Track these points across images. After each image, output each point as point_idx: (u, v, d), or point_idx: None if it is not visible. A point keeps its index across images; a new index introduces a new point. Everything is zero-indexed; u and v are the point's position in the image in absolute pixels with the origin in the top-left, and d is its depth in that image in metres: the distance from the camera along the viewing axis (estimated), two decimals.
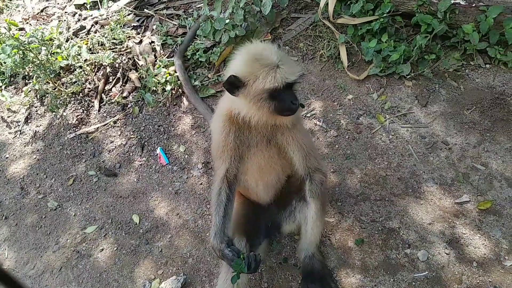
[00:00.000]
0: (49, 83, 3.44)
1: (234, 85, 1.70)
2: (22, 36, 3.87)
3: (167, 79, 3.30)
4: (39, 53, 3.33)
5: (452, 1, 3.11)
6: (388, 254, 2.38)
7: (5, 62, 3.71)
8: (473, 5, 3.13)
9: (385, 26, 3.23)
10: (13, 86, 3.79)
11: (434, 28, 3.09)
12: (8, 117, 3.53)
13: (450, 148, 2.83)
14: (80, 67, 3.57)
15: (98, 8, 4.36)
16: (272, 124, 1.86)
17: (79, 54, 3.65)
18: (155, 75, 3.30)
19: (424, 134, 2.92)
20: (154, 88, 3.33)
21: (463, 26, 3.03)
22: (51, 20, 4.47)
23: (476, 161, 2.74)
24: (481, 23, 3.01)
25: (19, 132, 3.37)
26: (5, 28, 4.20)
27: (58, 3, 4.75)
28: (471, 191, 2.60)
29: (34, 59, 3.22)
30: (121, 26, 3.86)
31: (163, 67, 3.36)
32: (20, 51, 3.29)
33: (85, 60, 3.62)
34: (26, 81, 3.79)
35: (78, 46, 3.68)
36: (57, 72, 3.55)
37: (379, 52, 3.19)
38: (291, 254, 2.45)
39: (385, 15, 3.15)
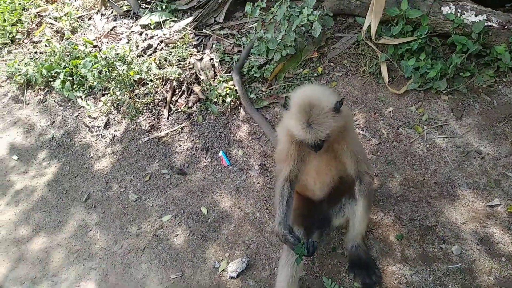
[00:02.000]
0: (126, 94, 4.01)
1: (285, 103, 2.12)
2: (96, 52, 4.49)
3: (227, 92, 3.79)
4: (122, 69, 3.90)
5: (486, 24, 3.43)
6: (425, 248, 2.73)
7: (86, 76, 4.35)
8: (505, 27, 3.44)
9: (423, 46, 3.58)
10: (91, 96, 4.41)
11: (469, 48, 3.42)
12: (90, 122, 4.13)
13: (483, 157, 3.13)
14: (151, 80, 4.13)
15: (161, 28, 4.95)
16: None
17: (150, 69, 4.22)
18: (217, 89, 3.80)
19: (459, 144, 3.24)
20: (216, 100, 3.82)
21: (496, 47, 3.34)
22: (120, 39, 5.10)
23: (507, 169, 3.04)
24: None
25: (100, 136, 3.95)
26: (81, 45, 4.88)
27: (125, 23, 5.39)
28: (502, 196, 2.90)
29: (117, 76, 3.79)
30: (184, 45, 4.40)
31: (223, 82, 3.85)
32: (106, 68, 3.87)
33: (155, 75, 4.18)
34: (103, 92, 4.41)
35: (149, 63, 4.26)
36: (132, 84, 4.13)
37: (417, 69, 3.55)
38: (339, 245, 2.84)
39: (423, 36, 3.51)
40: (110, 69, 3.78)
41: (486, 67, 3.59)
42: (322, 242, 2.85)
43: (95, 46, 5.00)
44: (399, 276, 2.62)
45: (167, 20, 4.96)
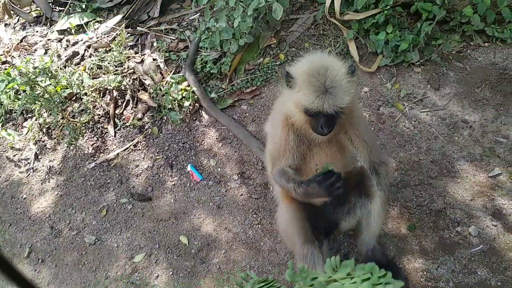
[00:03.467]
0: (58, 114, 3.28)
1: (286, 79, 1.72)
2: (9, 68, 3.67)
3: (183, 95, 3.25)
4: (45, 84, 3.17)
5: None
6: (441, 235, 2.47)
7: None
8: None
9: (388, 18, 3.34)
10: (10, 123, 3.60)
11: (435, 15, 3.23)
12: (14, 155, 3.35)
13: (471, 126, 2.97)
14: (86, 94, 3.43)
15: (85, 32, 4.22)
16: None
17: (81, 81, 3.51)
18: (170, 93, 3.24)
19: (443, 116, 3.05)
20: (170, 107, 3.26)
21: (464, 10, 3.19)
22: (35, 50, 4.28)
23: (497, 134, 2.90)
24: (479, 5, 3.18)
25: (31, 170, 3.20)
26: None
27: (37, 31, 4.56)
28: (501, 164, 2.75)
29: (42, 93, 3.06)
30: (118, 47, 3.74)
31: (176, 83, 3.29)
32: (23, 87, 3.11)
33: (89, 86, 3.49)
34: (25, 116, 3.61)
35: (79, 73, 3.55)
36: (62, 102, 3.40)
37: (386, 43, 3.30)
38: (350, 250, 2.48)
39: (388, 7, 3.26)
40: (31, 87, 3.03)
41: (451, 33, 3.45)
42: (331, 251, 2.48)
43: (4, 62, 4.13)
44: (424, 273, 2.34)
45: (91, 21, 4.24)
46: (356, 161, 2.51)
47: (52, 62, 3.73)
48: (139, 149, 3.16)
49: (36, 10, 4.78)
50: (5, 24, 4.79)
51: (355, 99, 1.93)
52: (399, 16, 3.44)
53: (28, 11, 4.76)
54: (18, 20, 4.79)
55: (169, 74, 3.53)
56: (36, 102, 3.06)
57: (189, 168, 2.96)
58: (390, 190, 2.57)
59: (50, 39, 4.34)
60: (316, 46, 3.57)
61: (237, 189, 2.84)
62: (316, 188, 1.71)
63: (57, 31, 4.37)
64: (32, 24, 4.68)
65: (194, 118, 3.26)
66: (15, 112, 3.56)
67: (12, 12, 4.81)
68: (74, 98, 3.54)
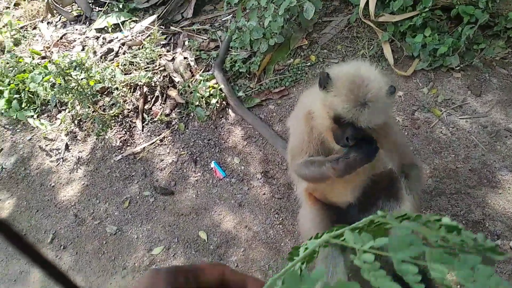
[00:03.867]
0: (89, 107, 3.35)
1: (323, 81, 1.62)
2: (46, 62, 3.79)
3: (211, 92, 3.23)
4: (78, 79, 3.24)
5: None
6: None
7: (36, 92, 3.64)
8: None
9: (426, 21, 3.21)
10: (45, 115, 3.70)
11: (478, 18, 3.07)
12: (46, 145, 3.42)
13: None
14: (117, 88, 3.49)
15: (121, 30, 4.32)
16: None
17: (114, 76, 3.58)
18: (198, 90, 3.23)
19: (484, 124, 2.86)
20: (198, 103, 3.25)
21: (510, 14, 3.01)
22: (73, 47, 4.42)
23: None
24: None
25: (61, 160, 3.26)
26: (27, 57, 4.15)
27: (76, 29, 4.72)
28: None
29: (75, 86, 3.13)
30: (151, 45, 3.80)
31: (204, 81, 3.28)
32: (59, 79, 3.20)
33: (120, 82, 3.55)
34: (59, 108, 3.71)
35: (112, 69, 3.62)
36: (94, 95, 3.47)
37: (424, 46, 3.16)
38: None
39: (426, 9, 3.13)
40: (65, 79, 3.11)
41: (495, 38, 3.26)
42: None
43: (43, 58, 4.29)
44: (459, 287, 2.15)
45: (127, 20, 4.34)
46: (385, 163, 2.37)
47: (87, 58, 3.83)
48: (165, 144, 3.16)
49: (77, 10, 4.96)
50: (48, 22, 4.99)
51: (391, 114, 1.83)
52: (438, 20, 3.30)
53: (70, 10, 4.95)
54: (59, 19, 4.98)
55: (198, 72, 3.54)
56: (68, 93, 3.12)
57: (212, 164, 2.92)
58: (422, 196, 2.41)
59: (88, 37, 4.47)
60: (349, 49, 3.47)
61: (259, 188, 2.76)
62: (356, 156, 1.58)
63: (95, 29, 4.51)
64: (72, 23, 4.85)
65: (221, 116, 3.23)
66: (49, 104, 3.67)
67: (54, 11, 5.01)
68: (106, 92, 3.60)
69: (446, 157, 2.72)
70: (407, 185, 1.93)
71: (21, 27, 4.85)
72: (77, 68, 3.36)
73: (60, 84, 3.22)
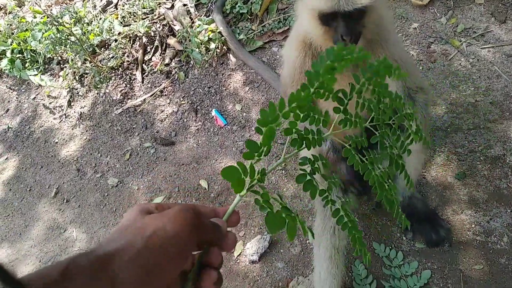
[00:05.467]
0: (87, 61, 3.25)
1: None
2: (45, 18, 3.70)
3: (210, 36, 3.05)
4: (73, 31, 3.13)
5: None
6: (497, 185, 2.08)
7: (36, 49, 3.58)
8: None
9: None
10: (48, 73, 3.64)
11: None
12: (50, 103, 3.39)
13: None
14: (115, 40, 3.36)
15: None
16: None
17: (112, 28, 3.45)
18: (197, 34, 3.05)
19: (509, 52, 2.56)
20: (197, 49, 3.08)
21: None
22: (75, 3, 4.29)
23: None
24: None
25: (64, 116, 3.22)
26: (30, 17, 4.07)
27: None
28: None
29: (69, 37, 3.02)
30: None
31: (204, 24, 3.10)
32: (53, 30, 3.10)
33: (119, 33, 3.41)
34: (61, 65, 3.64)
35: (109, 21, 3.48)
36: (93, 49, 3.37)
37: None
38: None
39: None
40: (59, 29, 3.00)
41: None
42: (361, 199, 2.20)
43: (46, 16, 4.19)
44: (473, 226, 1.98)
45: None
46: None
47: (86, 12, 3.70)
48: (165, 95, 3.05)
49: None
50: None
51: (384, 6, 1.60)
52: None
53: None
54: None
55: (198, 18, 3.34)
56: (62, 44, 3.03)
57: (213, 112, 2.79)
58: (432, 132, 2.20)
59: None
60: None
61: None
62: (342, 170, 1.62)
63: None
64: None
65: (221, 62, 3.06)
66: (52, 62, 3.60)
67: None
68: (105, 46, 3.49)
69: (464, 90, 2.47)
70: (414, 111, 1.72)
71: None
72: (73, 20, 3.25)
73: (56, 35, 3.12)
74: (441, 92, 2.50)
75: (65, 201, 2.69)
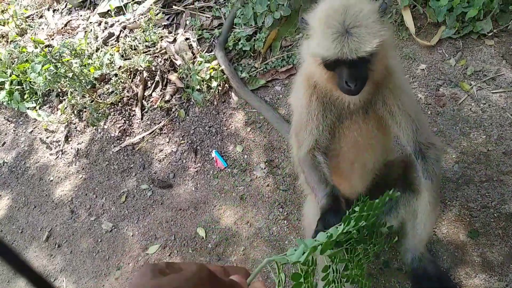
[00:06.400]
0: (86, 96, 3.19)
1: (302, 27, 1.40)
2: (50, 53, 3.66)
3: (212, 74, 2.97)
4: (72, 65, 3.08)
5: None
6: None
7: (35, 82, 3.52)
8: None
9: None
10: (47, 106, 3.58)
11: None
12: (47, 137, 3.31)
13: None
14: (116, 75, 3.30)
15: (124, 14, 4.11)
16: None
17: (112, 62, 3.39)
18: (198, 72, 2.98)
19: None
20: (198, 87, 3.00)
21: None
22: (77, 33, 4.26)
23: None
24: None
25: (60, 152, 3.13)
26: (31, 47, 4.04)
27: (81, 15, 4.55)
28: None
29: (67, 72, 2.97)
30: (152, 27, 3.57)
31: (205, 62, 3.03)
32: (52, 65, 3.04)
33: (120, 67, 3.35)
34: (61, 98, 3.58)
35: (110, 54, 3.42)
36: (92, 83, 3.31)
37: (450, 11, 2.75)
38: (392, 257, 2.05)
39: None
40: (56, 66, 2.94)
41: None
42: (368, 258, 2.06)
43: (47, 46, 4.16)
44: None
45: (129, 2, 4.12)
46: (402, 147, 2.06)
47: (87, 44, 3.66)
48: (164, 133, 2.96)
49: None
50: (54, 10, 4.87)
51: (393, 54, 1.52)
52: None
53: None
54: (65, 6, 4.84)
55: (200, 54, 3.28)
56: (60, 81, 2.96)
57: (213, 154, 2.69)
58: (443, 184, 2.09)
59: (91, 22, 4.30)
60: None
61: (263, 179, 2.52)
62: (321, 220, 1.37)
63: (98, 14, 4.32)
64: (77, 9, 4.69)
65: (223, 100, 2.98)
66: (51, 95, 3.55)
67: None
68: (105, 80, 3.43)
69: (475, 138, 2.36)
70: (424, 169, 1.61)
71: (27, 17, 4.74)
72: (72, 54, 3.20)
73: (54, 71, 3.06)
74: (451, 140, 2.39)
75: (56, 245, 2.58)
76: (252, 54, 3.13)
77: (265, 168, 2.56)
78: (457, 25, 2.73)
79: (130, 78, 3.34)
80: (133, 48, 3.52)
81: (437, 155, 1.62)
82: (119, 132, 3.07)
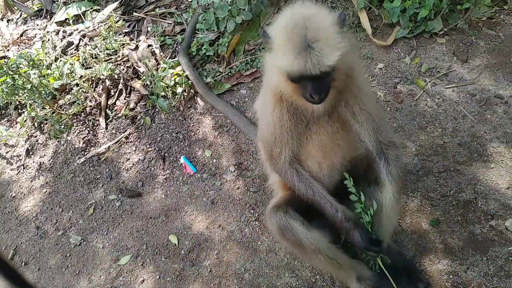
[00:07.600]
0: (46, 107, 3.10)
1: (264, 42, 1.46)
2: (6, 65, 3.52)
3: (176, 80, 2.97)
4: (30, 76, 2.98)
5: None
6: (471, 230, 2.07)
7: None
8: None
9: None
10: (5, 119, 3.45)
11: None
12: (7, 152, 3.19)
13: (506, 102, 2.52)
14: (77, 84, 3.23)
15: (83, 22, 4.02)
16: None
17: (73, 71, 3.31)
18: (162, 78, 2.97)
19: (473, 92, 2.61)
20: (163, 94, 2.99)
21: None
22: (34, 43, 4.12)
23: None
24: None
25: (22, 167, 3.03)
26: None
27: (37, 25, 4.41)
28: None
29: (25, 84, 2.87)
30: (113, 34, 3.51)
31: (169, 68, 3.02)
32: (9, 77, 2.93)
33: (81, 77, 3.28)
34: (19, 111, 3.46)
35: (70, 63, 3.34)
36: (53, 94, 3.22)
37: (403, 12, 2.88)
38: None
39: None
40: (22, 79, 2.84)
41: None
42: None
43: (3, 58, 4.00)
44: (451, 276, 1.95)
45: (88, 10, 4.04)
46: (359, 139, 2.14)
47: (45, 54, 3.55)
48: (130, 141, 2.92)
49: (38, 3, 4.65)
50: (8, 20, 4.69)
51: (353, 57, 1.59)
52: None
53: (30, 6, 4.63)
54: (20, 15, 4.67)
55: (165, 59, 3.26)
56: (18, 93, 2.87)
57: (182, 160, 2.69)
58: (404, 177, 2.19)
59: (48, 32, 4.18)
60: None
61: (233, 182, 2.54)
62: (356, 237, 1.68)
63: (55, 22, 4.20)
64: (33, 18, 4.54)
65: (189, 106, 2.98)
66: (9, 108, 3.42)
67: (14, 7, 4.70)
68: (66, 90, 3.34)
69: (432, 132, 2.49)
70: (386, 168, 1.71)
71: None
72: (30, 65, 3.09)
73: (11, 83, 2.95)
74: (410, 134, 2.51)
75: (23, 264, 2.49)
76: (216, 59, 3.15)
77: (234, 171, 2.59)
78: (410, 25, 2.87)
79: (92, 87, 3.27)
80: (94, 57, 3.45)
81: (397, 155, 1.72)
82: (83, 143, 3.00)
